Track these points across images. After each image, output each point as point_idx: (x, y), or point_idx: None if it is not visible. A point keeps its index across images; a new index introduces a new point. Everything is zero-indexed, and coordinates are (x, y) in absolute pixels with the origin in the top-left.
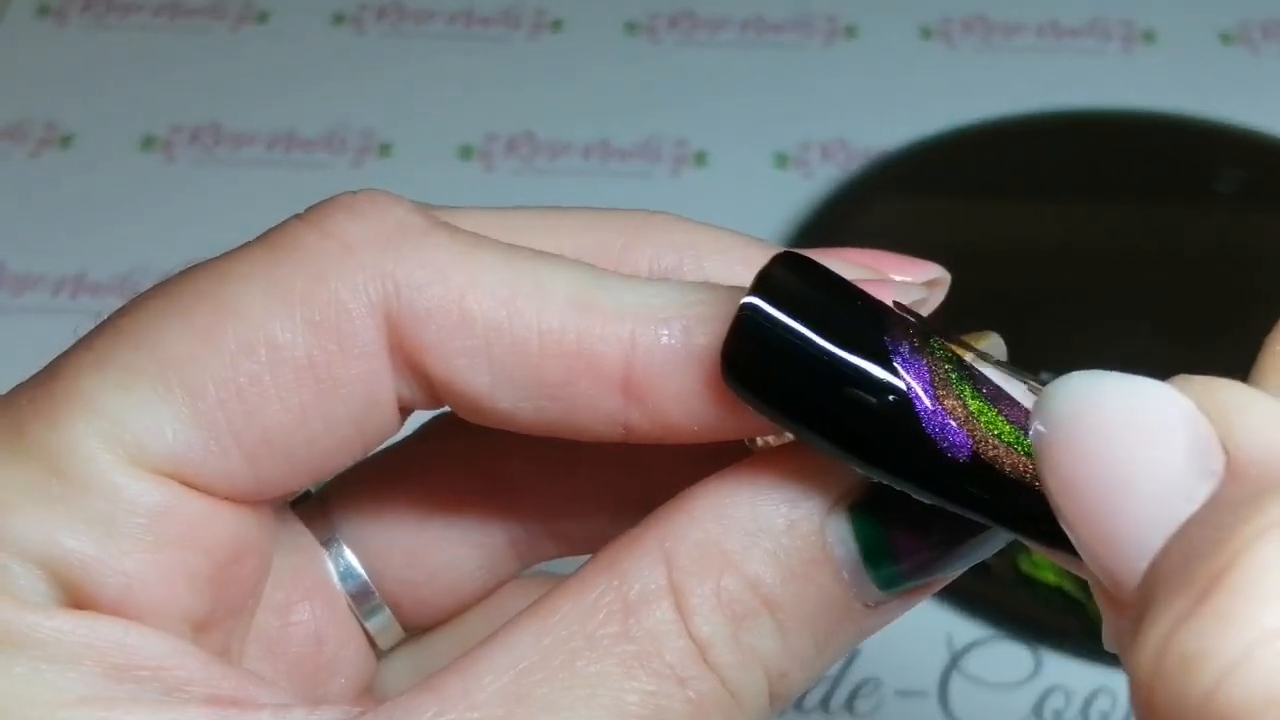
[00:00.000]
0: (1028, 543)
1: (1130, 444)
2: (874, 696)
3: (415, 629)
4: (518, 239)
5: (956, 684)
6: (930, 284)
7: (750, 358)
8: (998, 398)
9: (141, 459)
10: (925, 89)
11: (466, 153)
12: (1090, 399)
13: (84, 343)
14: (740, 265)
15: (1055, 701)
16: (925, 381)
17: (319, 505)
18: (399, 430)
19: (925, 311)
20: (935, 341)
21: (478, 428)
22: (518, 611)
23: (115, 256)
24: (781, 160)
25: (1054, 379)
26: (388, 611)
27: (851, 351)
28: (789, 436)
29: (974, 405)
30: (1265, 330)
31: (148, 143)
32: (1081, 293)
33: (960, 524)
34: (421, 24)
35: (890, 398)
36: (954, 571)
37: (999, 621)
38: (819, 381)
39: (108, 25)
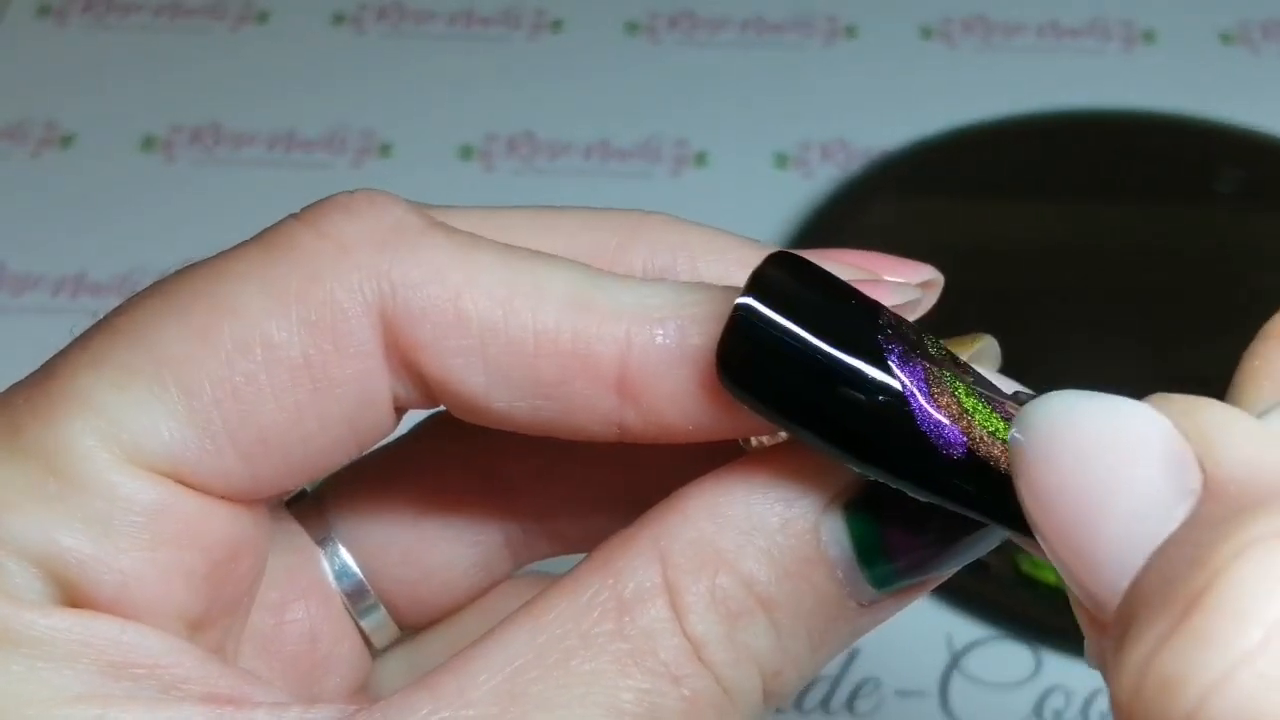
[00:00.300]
0: (1022, 541)
1: (1108, 463)
2: (874, 696)
3: (410, 628)
4: (513, 238)
5: (957, 684)
6: (924, 285)
7: (745, 358)
8: (991, 395)
9: (138, 458)
10: (925, 89)
11: (466, 153)
12: (1068, 418)
13: (80, 342)
14: (734, 265)
15: (1055, 701)
16: (919, 379)
17: (314, 504)
18: (394, 429)
19: (919, 312)
20: (928, 339)
21: (473, 427)
22: (512, 611)
23: (115, 256)
24: (781, 160)
25: (1031, 399)
26: (382, 610)
27: (846, 350)
28: (783, 436)
29: (968, 402)
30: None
31: (148, 143)
32: (1081, 293)
33: (954, 522)
34: (421, 24)
35: (884, 396)
36: (948, 570)
37: (999, 621)
38: (814, 381)
39: (108, 25)
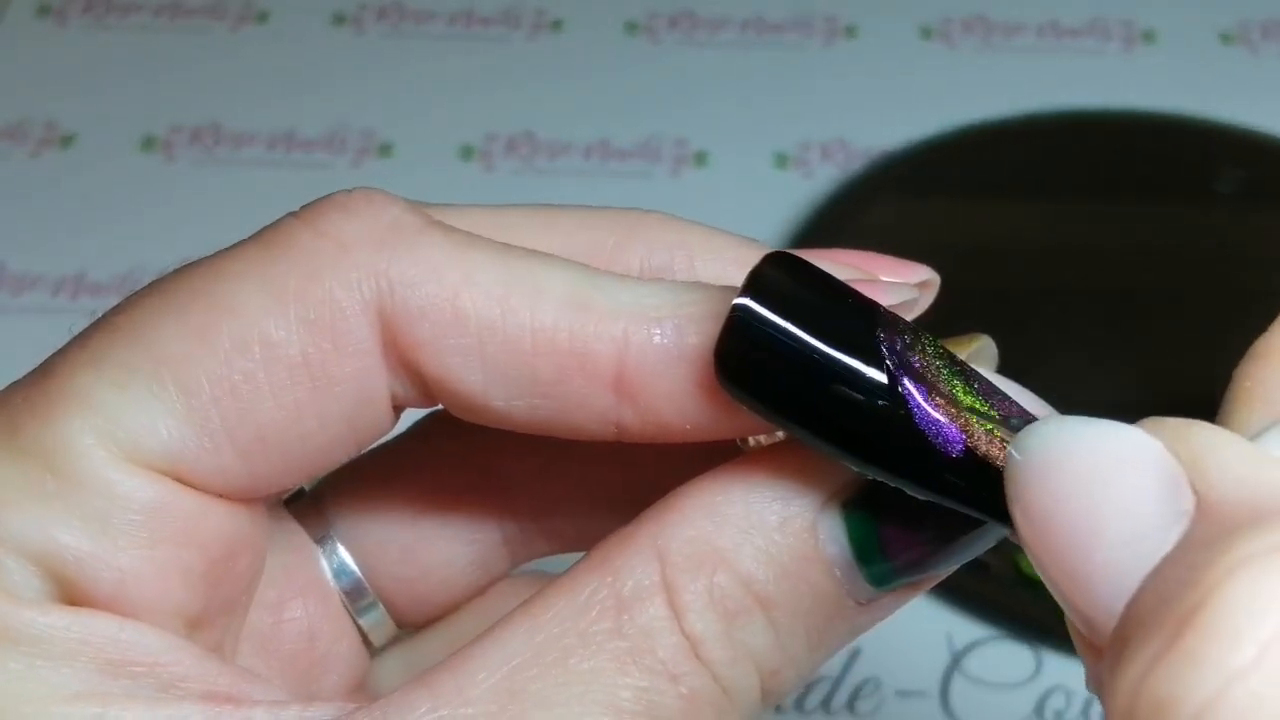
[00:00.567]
0: (1019, 539)
1: (1101, 486)
2: (875, 697)
3: (408, 626)
4: (511, 237)
5: (957, 684)
6: (920, 285)
7: (743, 357)
8: (989, 392)
9: (136, 456)
10: (925, 89)
11: (466, 153)
12: (1061, 443)
13: (79, 340)
14: (732, 265)
15: (1056, 702)
16: (917, 378)
17: (312, 503)
18: (392, 428)
19: (916, 312)
20: (926, 338)
21: (471, 425)
22: (510, 610)
23: (115, 256)
24: (781, 160)
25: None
26: (381, 608)
27: (843, 350)
28: (781, 436)
29: (966, 400)
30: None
31: (148, 143)
32: (1081, 293)
33: (952, 521)
34: (421, 24)
35: (882, 395)
36: (946, 569)
37: (1000, 621)
38: (811, 380)
39: (108, 25)
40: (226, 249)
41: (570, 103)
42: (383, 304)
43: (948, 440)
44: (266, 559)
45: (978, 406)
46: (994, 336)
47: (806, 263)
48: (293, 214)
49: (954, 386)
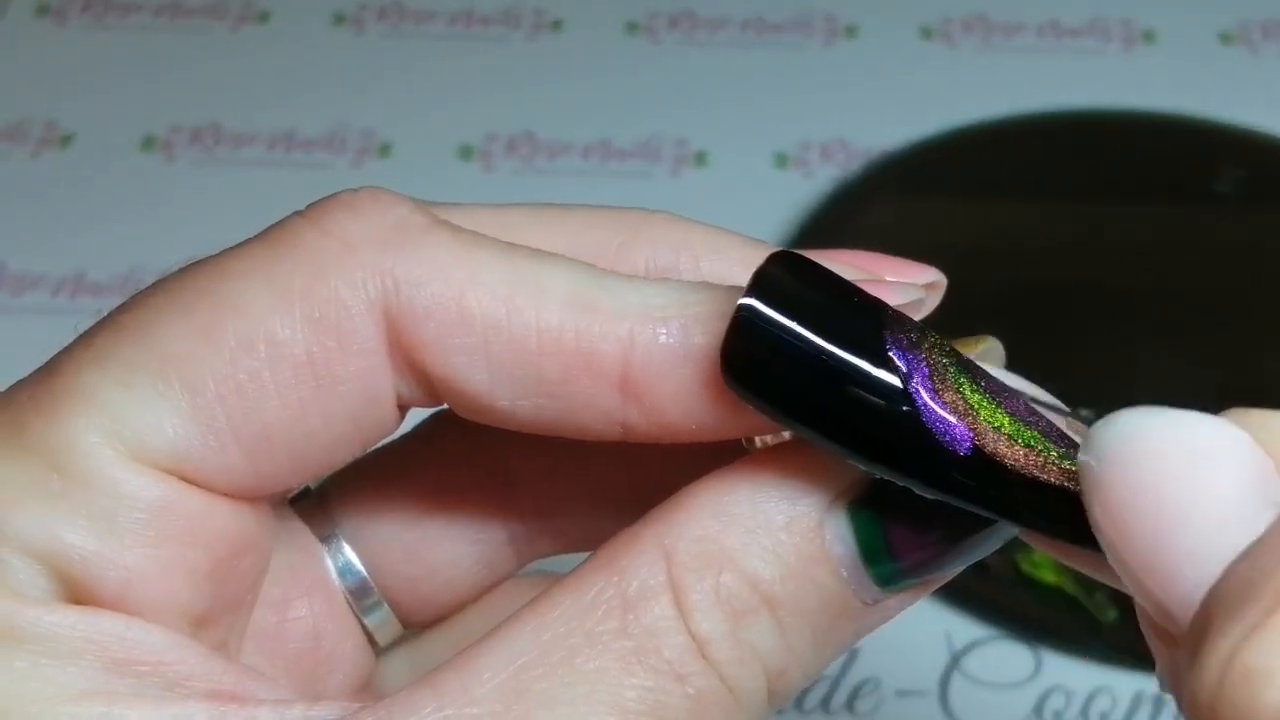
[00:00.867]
0: (1029, 537)
1: (1187, 476)
2: (874, 696)
3: (413, 626)
4: (516, 237)
5: (957, 684)
6: (927, 287)
7: (749, 357)
8: (997, 390)
9: (142, 455)
10: (925, 89)
11: (466, 153)
12: (1144, 434)
13: (84, 339)
14: (737, 265)
15: (1055, 702)
16: (924, 376)
17: (318, 502)
18: (398, 427)
19: (922, 313)
20: (932, 337)
21: (476, 425)
22: (515, 610)
23: (115, 256)
24: (781, 160)
25: (1095, 420)
26: (386, 608)
27: (849, 349)
28: (787, 435)
29: (973, 398)
30: (1265, 329)
31: (148, 143)
32: (1081, 293)
33: (958, 521)
34: (421, 24)
35: (889, 394)
36: (952, 570)
37: (999, 621)
38: (818, 380)
39: (108, 25)
40: (232, 248)
41: (570, 103)
42: (388, 303)
43: (955, 439)
44: (271, 558)
45: (986, 405)
46: (993, 336)
47: (812, 262)
48: (298, 213)
49: (961, 385)
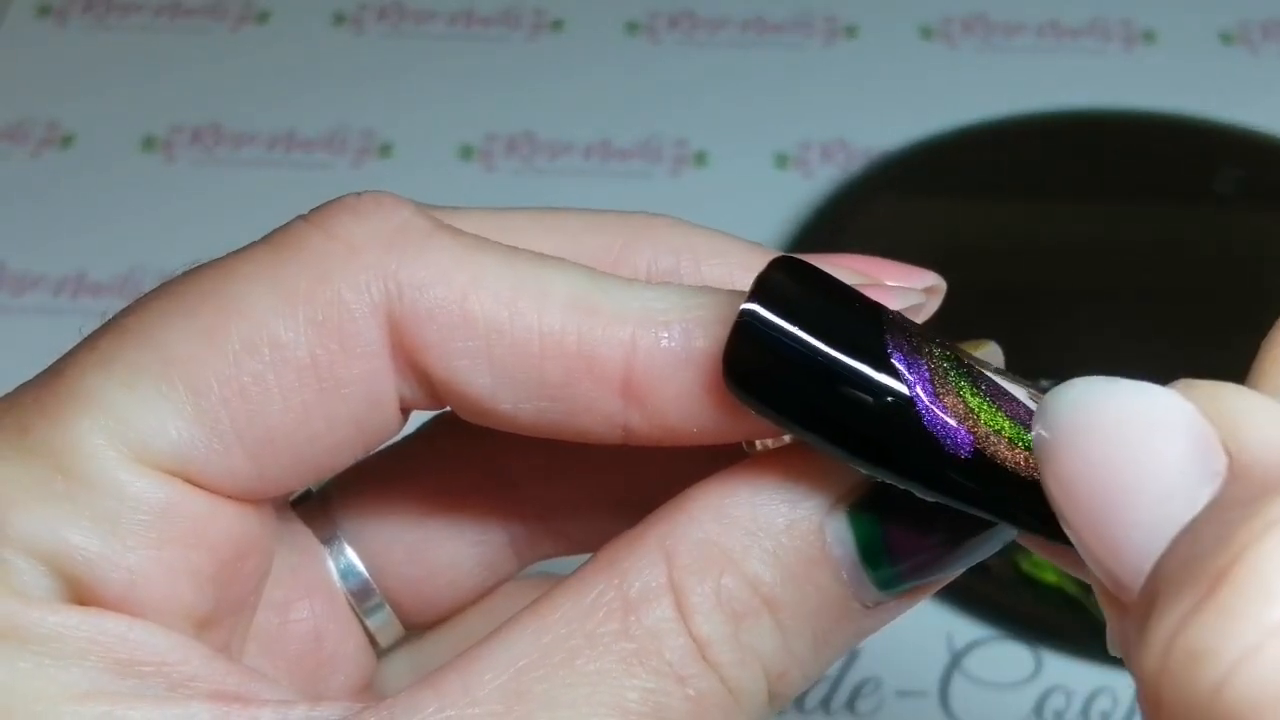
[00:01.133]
0: (1028, 541)
1: (1133, 446)
2: (875, 696)
3: (415, 628)
4: (517, 240)
5: (957, 684)
6: (927, 291)
7: (751, 362)
8: (997, 394)
9: (146, 456)
10: (925, 89)
11: (466, 153)
12: (1093, 403)
13: (89, 342)
14: (738, 269)
15: (1056, 702)
16: (925, 380)
17: (320, 504)
18: (400, 430)
19: (922, 317)
20: (932, 340)
21: (478, 428)
22: (516, 611)
23: (115, 256)
24: (781, 160)
25: (1055, 385)
26: (387, 609)
27: (850, 353)
28: (787, 440)
29: (973, 402)
30: (1265, 329)
31: (148, 143)
32: (1081, 293)
33: (958, 524)
34: (421, 24)
35: (890, 397)
36: (952, 573)
37: (999, 621)
38: (820, 384)
39: (108, 25)
40: (236, 251)
41: (570, 103)
42: (391, 306)
43: (957, 442)
44: (274, 560)
45: (985, 407)
46: (992, 336)
47: (813, 267)
48: (302, 217)
49: (962, 388)
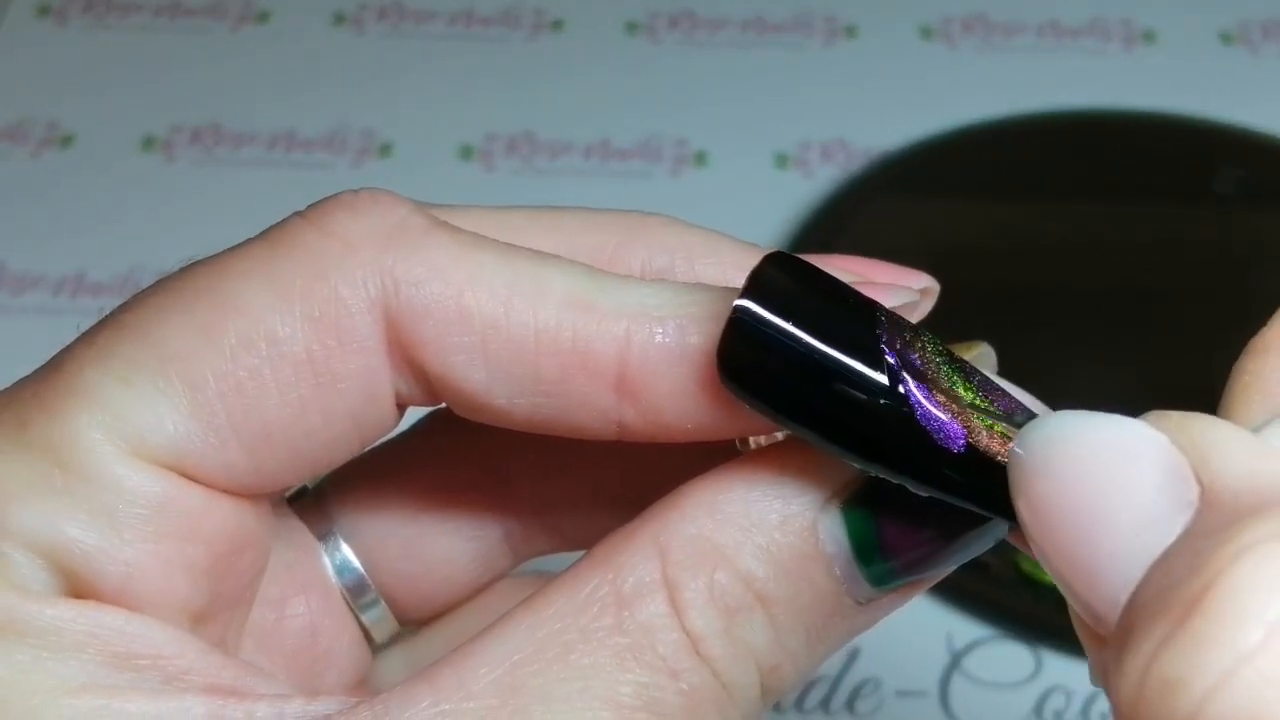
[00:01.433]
0: (1019, 539)
1: (1106, 477)
2: (874, 697)
3: (410, 623)
4: (514, 238)
5: (957, 684)
6: (920, 292)
7: (744, 357)
8: (989, 389)
9: (143, 451)
10: (925, 89)
11: (466, 153)
12: (1066, 437)
13: (86, 337)
14: (733, 268)
15: (1056, 702)
16: (918, 375)
17: (315, 501)
18: (396, 426)
19: (916, 318)
20: (925, 336)
21: (474, 424)
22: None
23: (115, 256)
24: (781, 160)
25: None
26: (383, 605)
27: (843, 348)
28: (779, 437)
29: (967, 396)
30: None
31: (148, 143)
32: (1081, 293)
33: (952, 520)
34: (421, 24)
35: (883, 392)
36: (944, 569)
37: (999, 621)
38: (813, 379)
39: (108, 25)
40: (233, 248)
41: (570, 103)
42: (388, 302)
43: (949, 436)
44: (270, 556)
45: (978, 403)
46: (993, 336)
47: (807, 263)
48: (299, 213)
49: (954, 383)
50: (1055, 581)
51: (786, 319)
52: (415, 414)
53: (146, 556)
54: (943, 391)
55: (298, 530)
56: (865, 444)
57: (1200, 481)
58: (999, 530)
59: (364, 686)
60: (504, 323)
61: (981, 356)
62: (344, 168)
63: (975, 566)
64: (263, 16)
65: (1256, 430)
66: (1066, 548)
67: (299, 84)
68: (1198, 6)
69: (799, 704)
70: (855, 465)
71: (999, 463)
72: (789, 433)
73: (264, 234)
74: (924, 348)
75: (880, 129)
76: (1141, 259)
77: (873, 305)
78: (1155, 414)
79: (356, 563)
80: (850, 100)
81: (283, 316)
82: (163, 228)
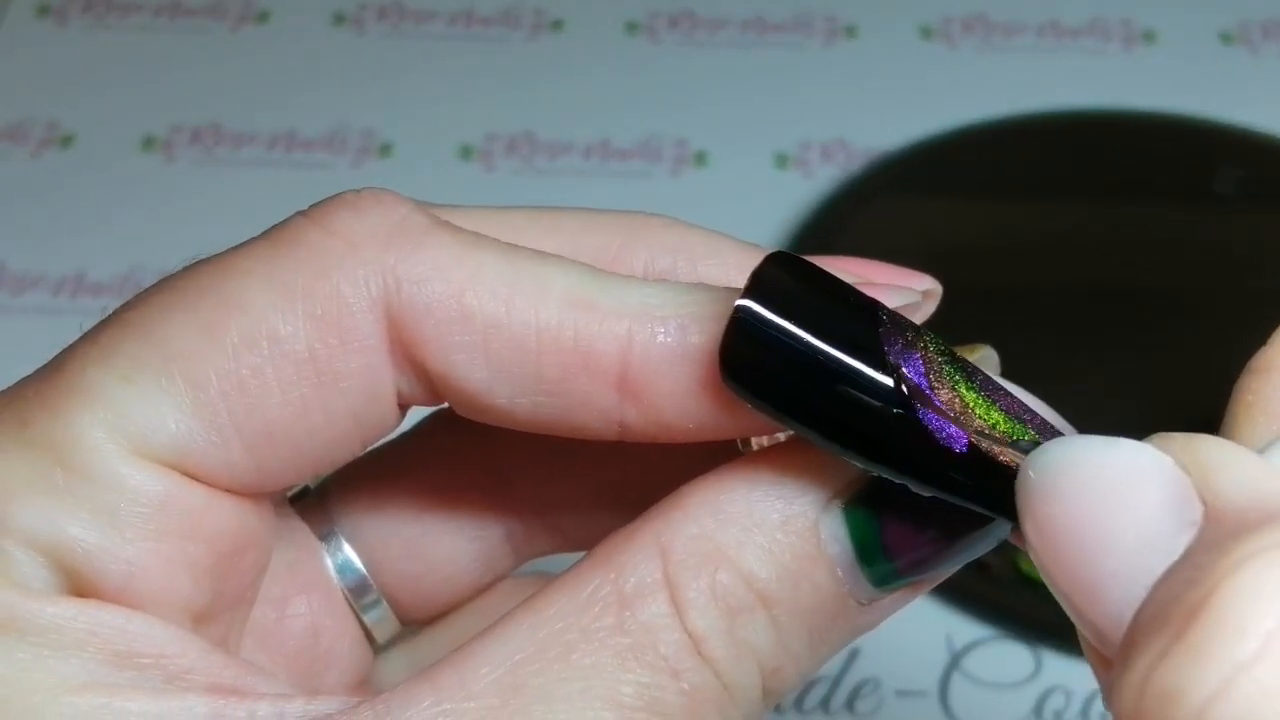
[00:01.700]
0: (1021, 540)
1: (1109, 498)
2: (874, 697)
3: (412, 624)
4: (516, 238)
5: (957, 684)
6: (924, 294)
7: (746, 356)
8: (991, 388)
9: (145, 449)
10: (925, 89)
11: (466, 153)
12: (1074, 460)
13: (89, 336)
14: (734, 269)
15: (1055, 702)
16: (920, 374)
17: (317, 500)
18: (398, 425)
19: (918, 320)
20: (927, 336)
21: (475, 424)
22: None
23: (115, 256)
24: (781, 160)
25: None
26: (384, 605)
27: (845, 348)
28: (781, 438)
29: (969, 396)
30: (1264, 330)
31: (148, 143)
32: (1081, 293)
33: (954, 520)
34: (421, 24)
35: (885, 392)
36: (947, 570)
37: (999, 621)
38: (815, 379)
39: (108, 25)
40: (235, 247)
41: (570, 103)
42: (389, 301)
43: (951, 435)
44: (272, 556)
45: (980, 402)
46: (993, 336)
47: (809, 262)
48: (301, 213)
49: (957, 383)
50: (1061, 603)
51: (788, 318)
52: (417, 415)
53: (148, 555)
54: (945, 391)
55: (300, 530)
56: (867, 443)
57: (1204, 501)
58: (1001, 530)
59: (365, 687)
60: (505, 322)
61: (985, 359)
62: (344, 168)
63: (975, 567)
64: (263, 16)
65: (1261, 451)
66: (1071, 568)
67: (299, 84)
68: (1198, 6)
69: (799, 704)
70: (857, 465)
71: (1001, 463)
72: (791, 433)
73: (267, 233)
74: (926, 347)
75: (880, 129)
76: (1141, 259)
77: (875, 305)
78: (1160, 436)
79: (358, 563)
80: (850, 100)
81: (285, 315)
82: (163, 228)
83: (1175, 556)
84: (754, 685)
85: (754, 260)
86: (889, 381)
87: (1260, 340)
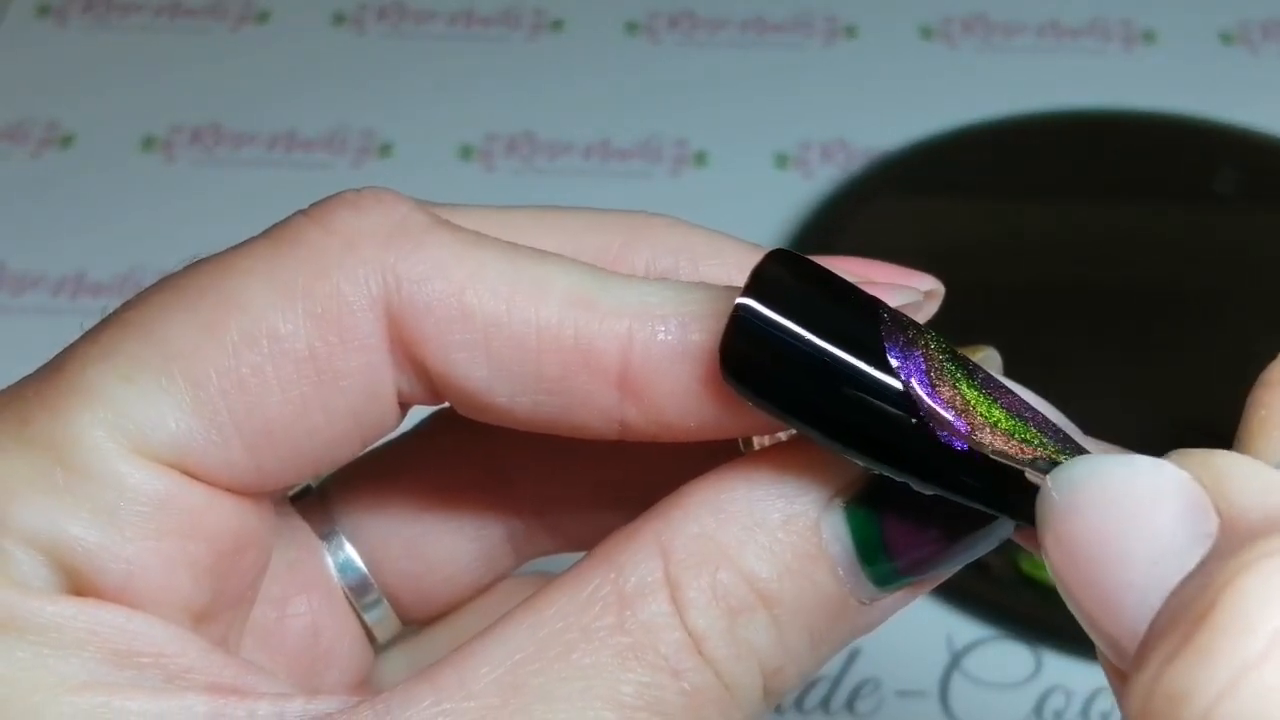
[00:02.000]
0: (1024, 538)
1: (1127, 511)
2: (874, 697)
3: (412, 623)
4: (517, 237)
5: (957, 684)
6: (926, 294)
7: (747, 355)
8: (992, 386)
9: (145, 448)
10: (925, 89)
11: (466, 153)
12: (1094, 478)
13: (89, 335)
14: (735, 269)
15: (1056, 702)
16: (921, 372)
17: (318, 500)
18: (398, 425)
19: (920, 319)
20: (929, 334)
21: (476, 423)
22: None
23: (115, 256)
24: (781, 160)
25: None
26: (385, 605)
27: (846, 346)
28: (782, 437)
29: (970, 394)
30: (1264, 330)
31: (148, 143)
32: (1081, 293)
33: (955, 519)
34: (421, 24)
35: (886, 390)
36: (948, 570)
37: (999, 621)
38: (816, 377)
39: (108, 25)
40: (236, 246)
41: (570, 103)
42: (389, 299)
43: (953, 434)
44: (272, 555)
45: (981, 400)
46: (992, 336)
47: (809, 260)
48: (302, 212)
49: (958, 381)
50: (1077, 616)
51: (789, 316)
52: (418, 414)
53: (148, 554)
54: (946, 388)
55: (300, 529)
56: (868, 442)
57: (1219, 513)
58: (1004, 529)
59: (366, 686)
60: (506, 320)
61: (987, 359)
62: (344, 168)
63: (976, 566)
64: (263, 16)
65: (1277, 465)
66: (1089, 581)
67: (299, 84)
68: (1198, 6)
69: (799, 704)
70: (858, 463)
71: (1001, 462)
72: (791, 432)
73: (267, 232)
74: (927, 345)
75: (880, 129)
76: (1141, 259)
77: (876, 303)
78: (1178, 452)
79: (359, 562)
80: (850, 100)
81: (285, 313)
82: (163, 228)
83: (1190, 567)
84: (755, 685)
85: (755, 260)
86: (889, 379)
87: (1260, 339)
